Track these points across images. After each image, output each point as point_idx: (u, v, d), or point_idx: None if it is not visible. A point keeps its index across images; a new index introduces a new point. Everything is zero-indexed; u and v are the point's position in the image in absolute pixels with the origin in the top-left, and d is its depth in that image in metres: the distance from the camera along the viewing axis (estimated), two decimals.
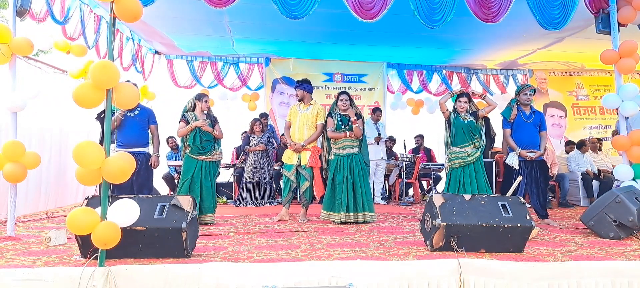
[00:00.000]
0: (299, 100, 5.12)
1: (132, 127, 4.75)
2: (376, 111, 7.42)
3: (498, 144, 7.27)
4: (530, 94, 5.02)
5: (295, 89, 5.20)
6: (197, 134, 4.77)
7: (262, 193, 6.82)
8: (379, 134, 7.10)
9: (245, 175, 6.81)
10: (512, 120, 5.03)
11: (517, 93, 5.11)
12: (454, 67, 9.20)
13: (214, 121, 4.94)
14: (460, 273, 2.94)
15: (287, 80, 8.54)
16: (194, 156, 4.76)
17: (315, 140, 5.04)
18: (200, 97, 4.92)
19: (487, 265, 3.02)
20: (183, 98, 8.07)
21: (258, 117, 7.31)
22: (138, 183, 4.60)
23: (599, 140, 8.27)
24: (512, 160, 4.93)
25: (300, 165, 4.97)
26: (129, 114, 4.75)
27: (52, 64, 6.19)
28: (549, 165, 6.77)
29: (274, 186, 7.10)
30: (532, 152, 4.88)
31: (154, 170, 4.98)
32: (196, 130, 4.77)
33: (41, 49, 4.56)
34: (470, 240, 3.30)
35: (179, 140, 4.90)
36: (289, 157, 5.06)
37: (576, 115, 9.23)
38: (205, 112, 4.90)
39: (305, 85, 5.13)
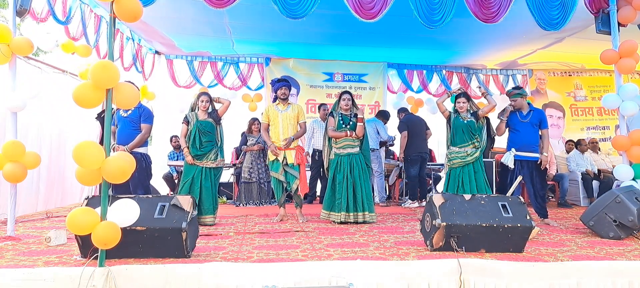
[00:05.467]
0: (283, 100, 5.00)
1: (124, 127, 4.74)
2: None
3: (498, 144, 7.28)
4: (512, 98, 5.03)
5: (280, 87, 4.99)
6: (196, 135, 4.75)
7: (260, 193, 6.82)
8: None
9: (242, 175, 6.82)
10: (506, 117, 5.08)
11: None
12: (454, 67, 9.22)
13: (216, 121, 4.87)
14: (460, 273, 2.94)
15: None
16: (193, 161, 4.74)
17: (298, 139, 5.02)
18: (198, 95, 4.92)
19: (487, 265, 3.02)
20: (183, 98, 8.12)
21: (257, 116, 7.31)
22: (132, 184, 4.55)
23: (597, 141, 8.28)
24: (508, 159, 4.90)
25: (286, 164, 4.90)
26: (122, 114, 4.75)
27: (52, 64, 6.19)
28: (547, 165, 6.77)
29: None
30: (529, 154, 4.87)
31: (152, 171, 4.98)
32: (196, 130, 4.76)
33: (44, 49, 4.54)
34: (470, 240, 3.30)
35: (181, 142, 4.86)
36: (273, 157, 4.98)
37: (574, 116, 9.25)
38: (208, 111, 4.87)
39: (289, 84, 5.10)
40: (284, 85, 5.01)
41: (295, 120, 4.97)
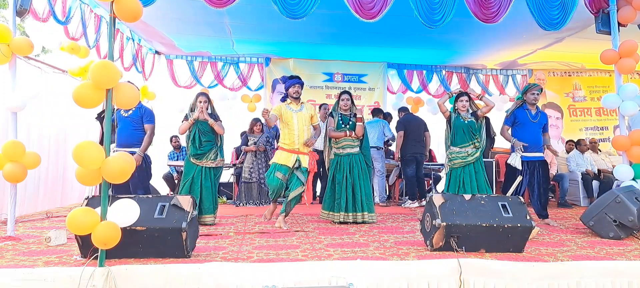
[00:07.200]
0: (295, 99, 4.71)
1: (125, 127, 4.72)
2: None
3: (498, 144, 7.27)
4: (538, 94, 4.95)
5: (292, 85, 4.69)
6: (196, 134, 4.76)
7: (260, 193, 6.82)
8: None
9: (242, 175, 6.83)
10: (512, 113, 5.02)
11: (525, 91, 5.03)
12: (453, 67, 9.22)
13: (216, 120, 4.88)
14: (460, 273, 2.94)
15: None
16: (193, 161, 4.74)
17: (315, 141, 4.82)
18: (197, 95, 4.89)
19: (487, 265, 3.02)
20: (183, 98, 8.13)
21: (258, 117, 7.30)
22: (132, 184, 4.53)
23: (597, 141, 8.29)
24: (515, 161, 4.83)
25: (299, 167, 4.64)
26: (123, 114, 4.76)
27: (52, 63, 6.19)
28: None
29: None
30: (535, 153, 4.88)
31: (152, 171, 4.97)
32: (196, 130, 4.76)
33: (50, 49, 4.56)
34: (470, 240, 3.30)
35: (182, 139, 4.85)
36: (285, 158, 4.64)
37: (572, 116, 9.25)
38: (208, 111, 4.87)
39: (302, 82, 4.82)
40: (296, 83, 4.70)
41: (309, 121, 4.73)
